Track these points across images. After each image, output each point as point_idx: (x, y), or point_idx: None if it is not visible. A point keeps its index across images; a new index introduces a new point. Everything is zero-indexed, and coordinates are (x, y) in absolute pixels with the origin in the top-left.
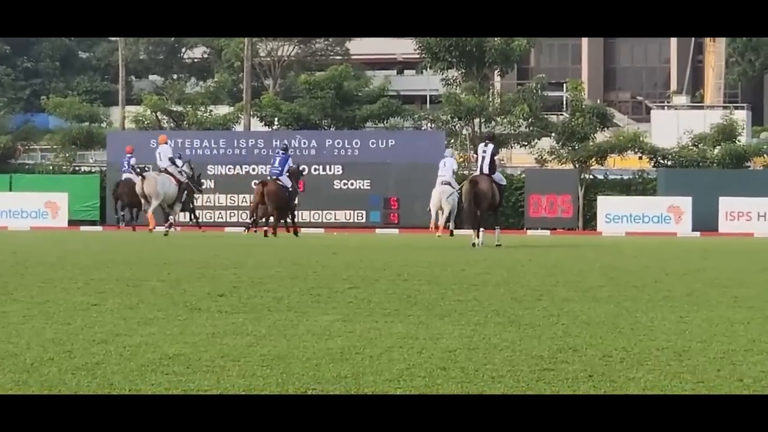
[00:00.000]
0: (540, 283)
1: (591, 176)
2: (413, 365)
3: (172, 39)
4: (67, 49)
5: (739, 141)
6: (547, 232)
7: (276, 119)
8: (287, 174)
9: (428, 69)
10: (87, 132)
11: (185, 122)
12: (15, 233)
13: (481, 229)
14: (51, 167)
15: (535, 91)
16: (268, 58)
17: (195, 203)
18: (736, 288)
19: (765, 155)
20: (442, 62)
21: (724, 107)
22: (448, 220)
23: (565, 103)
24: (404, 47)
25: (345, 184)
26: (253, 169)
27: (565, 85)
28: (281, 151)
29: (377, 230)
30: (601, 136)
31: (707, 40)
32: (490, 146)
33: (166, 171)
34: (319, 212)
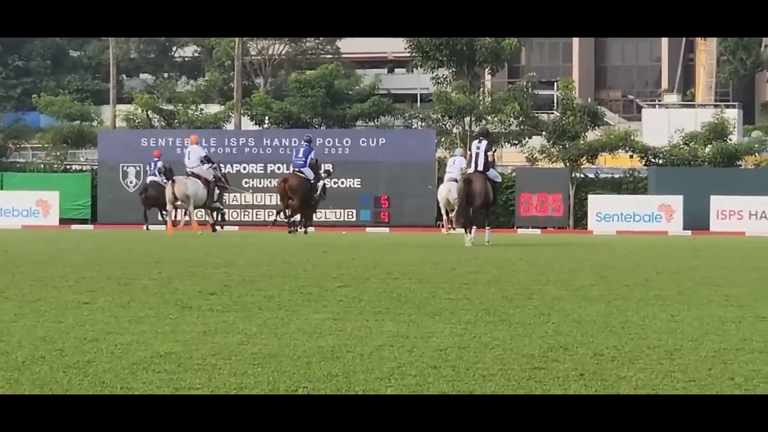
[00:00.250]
0: (531, 281)
1: (582, 175)
2: (404, 364)
3: (163, 38)
4: (58, 47)
5: (730, 140)
6: (538, 231)
7: (266, 118)
8: (309, 166)
9: (419, 67)
10: (78, 130)
11: (176, 121)
12: (6, 232)
13: (474, 228)
14: (42, 166)
15: (525, 90)
16: (259, 57)
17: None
18: (727, 287)
19: (756, 154)
20: (432, 61)
21: (716, 106)
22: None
23: (555, 101)
24: (395, 46)
25: (335, 182)
26: (244, 168)
27: (556, 83)
28: (305, 143)
29: (367, 229)
30: (592, 135)
31: (698, 38)
32: (484, 143)
33: (193, 174)
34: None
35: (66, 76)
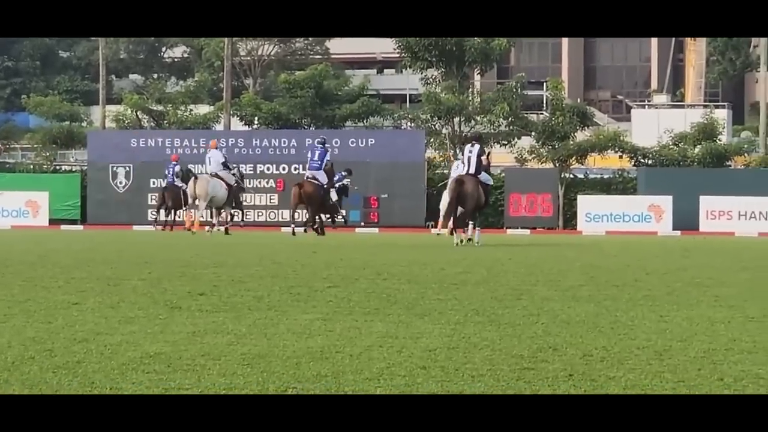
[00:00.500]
0: (520, 282)
1: (571, 175)
2: (393, 364)
3: (153, 38)
4: (47, 48)
5: (719, 140)
6: (527, 232)
7: (256, 118)
8: (324, 170)
9: (408, 68)
10: (67, 131)
11: (165, 121)
12: None
13: (469, 227)
14: (32, 166)
15: (515, 90)
16: (248, 58)
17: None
18: (716, 287)
19: (745, 154)
20: (421, 61)
21: (705, 106)
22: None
23: (545, 102)
24: (384, 46)
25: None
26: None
27: (545, 84)
28: (320, 146)
29: (357, 229)
30: (582, 135)
31: (688, 39)
32: (477, 146)
33: (216, 175)
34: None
35: (55, 76)
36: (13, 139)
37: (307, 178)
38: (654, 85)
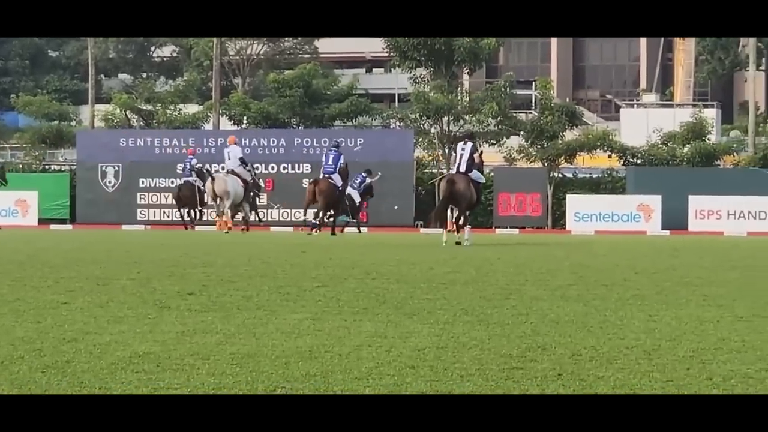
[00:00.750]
0: (509, 281)
1: (560, 175)
2: (382, 364)
3: (142, 38)
4: (36, 47)
5: (708, 139)
6: (516, 231)
7: (245, 118)
8: (338, 172)
9: (397, 67)
10: (57, 130)
11: (155, 121)
12: None
13: (468, 228)
14: (21, 166)
15: (503, 90)
16: (237, 57)
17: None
18: (705, 286)
19: (734, 154)
20: (410, 61)
21: (694, 105)
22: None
23: (534, 101)
24: (373, 46)
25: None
26: (222, 168)
27: (534, 83)
28: (334, 149)
29: (345, 229)
30: (570, 135)
31: (677, 38)
32: (469, 145)
33: (232, 172)
34: (288, 211)
35: (45, 76)
36: (2, 138)
37: (323, 177)
38: (643, 84)
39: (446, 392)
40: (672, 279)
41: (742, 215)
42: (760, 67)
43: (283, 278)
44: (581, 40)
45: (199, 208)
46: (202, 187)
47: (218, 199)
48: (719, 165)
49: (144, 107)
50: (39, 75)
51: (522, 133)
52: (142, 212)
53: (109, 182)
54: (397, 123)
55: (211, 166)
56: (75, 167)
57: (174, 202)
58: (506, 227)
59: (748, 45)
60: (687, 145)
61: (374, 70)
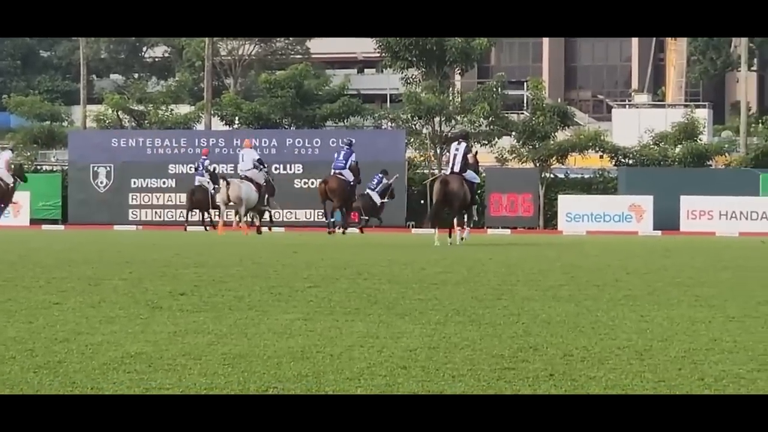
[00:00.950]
0: (500, 282)
1: (552, 175)
2: (374, 364)
3: (133, 38)
4: (28, 47)
5: (700, 140)
6: (508, 231)
7: (236, 118)
8: (349, 169)
9: (388, 68)
10: (48, 131)
11: (146, 121)
12: None
13: (458, 228)
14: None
15: (495, 90)
16: (229, 58)
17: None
18: (697, 287)
19: (726, 154)
20: (402, 61)
21: (686, 106)
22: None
23: (525, 101)
24: (364, 46)
25: (305, 183)
26: (214, 169)
27: (525, 83)
28: (346, 147)
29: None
30: (562, 135)
31: (669, 38)
32: (463, 145)
33: (246, 177)
34: (280, 211)
35: (36, 76)
36: None
37: (333, 174)
38: (635, 84)
39: (438, 392)
40: (664, 279)
41: (733, 215)
42: (752, 68)
43: (275, 278)
44: (573, 40)
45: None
46: (213, 190)
47: (230, 203)
48: (711, 165)
49: (136, 108)
50: (30, 75)
51: (513, 133)
52: (134, 213)
53: (101, 183)
54: (389, 123)
55: (218, 167)
56: (67, 168)
57: (187, 204)
58: (498, 227)
59: (740, 45)
60: (679, 146)
61: (366, 70)
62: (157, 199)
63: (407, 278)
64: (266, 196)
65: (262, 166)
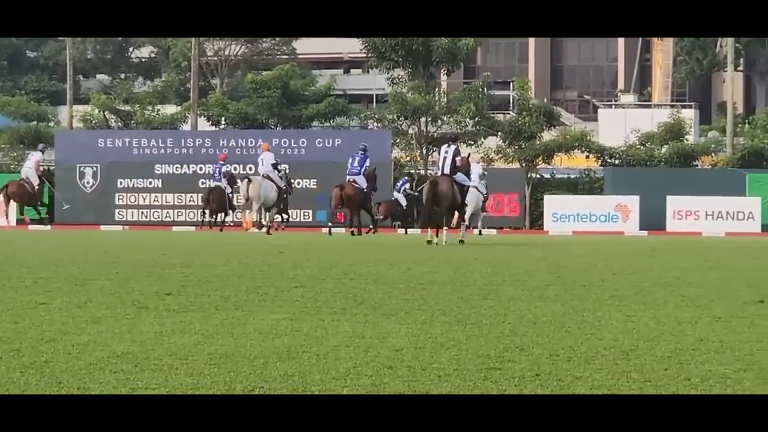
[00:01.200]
0: (486, 282)
1: (538, 175)
2: (360, 364)
3: (120, 38)
4: (14, 48)
5: (686, 140)
6: (494, 231)
7: (223, 119)
8: (364, 175)
9: (374, 68)
10: (35, 131)
11: (133, 121)
12: None
13: (445, 228)
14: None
15: (481, 90)
16: (215, 58)
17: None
18: (683, 287)
19: (713, 154)
20: (388, 61)
21: (672, 106)
22: (462, 220)
23: (511, 102)
24: (350, 46)
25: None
26: (201, 168)
27: (511, 83)
28: (360, 152)
29: (324, 229)
30: (548, 135)
31: (655, 38)
32: (453, 147)
33: (268, 177)
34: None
35: (23, 76)
36: None
37: (348, 181)
38: (621, 84)
39: (424, 392)
40: (650, 279)
41: (720, 216)
42: (738, 68)
43: (261, 278)
44: (559, 40)
45: (228, 212)
46: (230, 194)
47: (249, 200)
48: (697, 165)
49: (122, 108)
50: (17, 75)
51: (500, 133)
52: (120, 213)
53: (88, 183)
54: (375, 124)
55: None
56: (53, 168)
57: (203, 204)
58: (484, 227)
59: (726, 45)
60: (665, 146)
61: (352, 70)
62: (144, 199)
63: (393, 278)
64: (285, 196)
65: (277, 170)
